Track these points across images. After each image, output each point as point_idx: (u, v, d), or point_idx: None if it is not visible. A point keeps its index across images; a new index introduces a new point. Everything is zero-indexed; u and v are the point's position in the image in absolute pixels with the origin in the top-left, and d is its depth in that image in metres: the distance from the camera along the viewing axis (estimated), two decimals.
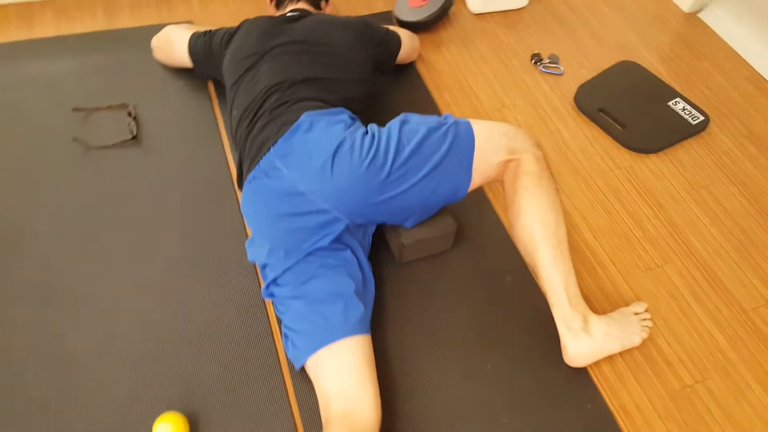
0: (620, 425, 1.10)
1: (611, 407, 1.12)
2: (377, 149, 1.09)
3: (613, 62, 1.81)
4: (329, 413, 0.96)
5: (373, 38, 1.49)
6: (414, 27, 1.81)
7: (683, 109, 1.65)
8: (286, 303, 1.07)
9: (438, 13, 1.79)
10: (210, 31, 1.48)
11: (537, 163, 1.17)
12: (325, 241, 1.08)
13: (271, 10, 1.55)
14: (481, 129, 1.17)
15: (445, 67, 1.75)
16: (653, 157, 1.58)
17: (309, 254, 1.08)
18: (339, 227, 1.09)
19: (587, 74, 1.77)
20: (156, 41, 1.59)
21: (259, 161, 1.13)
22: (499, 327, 1.21)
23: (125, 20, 1.77)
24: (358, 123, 1.17)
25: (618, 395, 1.14)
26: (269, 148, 1.12)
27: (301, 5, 1.50)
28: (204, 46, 1.47)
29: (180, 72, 1.60)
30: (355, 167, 1.07)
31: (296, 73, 1.25)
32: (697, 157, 1.58)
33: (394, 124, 1.16)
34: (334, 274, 1.07)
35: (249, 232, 1.29)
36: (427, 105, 1.62)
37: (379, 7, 1.91)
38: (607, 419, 1.10)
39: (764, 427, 1.12)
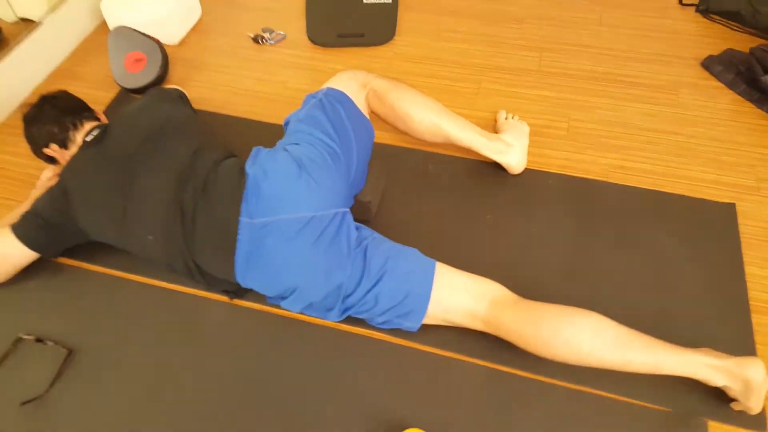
0: (578, 176, 1.49)
1: (562, 172, 1.50)
2: (323, 145, 1.20)
3: None
4: (484, 317, 1.11)
5: (175, 98, 1.49)
6: (148, 88, 1.78)
7: None
8: (371, 296, 1.13)
9: (162, 67, 1.78)
10: (27, 213, 1.26)
11: (384, 80, 1.41)
12: (353, 232, 1.17)
13: (61, 155, 1.36)
14: (338, 84, 1.35)
15: (213, 93, 1.78)
16: (397, 38, 1.93)
17: (356, 249, 1.15)
18: (349, 216, 1.20)
19: (296, 20, 2.02)
20: None
21: (236, 239, 1.14)
22: (459, 197, 1.46)
23: None
24: (276, 146, 1.25)
25: (550, 163, 1.52)
26: (237, 220, 1.13)
27: (88, 125, 1.37)
28: (43, 227, 1.24)
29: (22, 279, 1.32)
30: (326, 167, 1.17)
31: (182, 156, 1.23)
32: (416, 17, 2.00)
33: (295, 126, 1.26)
34: (380, 244, 1.18)
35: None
36: (245, 127, 1.67)
37: (106, 97, 1.79)
38: (566, 180, 1.48)
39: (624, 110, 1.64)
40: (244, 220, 1.13)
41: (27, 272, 1.31)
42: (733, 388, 1.01)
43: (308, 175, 1.15)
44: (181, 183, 1.19)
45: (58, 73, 1.90)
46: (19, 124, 1.39)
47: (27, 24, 1.82)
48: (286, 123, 1.32)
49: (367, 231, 1.21)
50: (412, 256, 1.18)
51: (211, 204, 1.16)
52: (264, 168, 1.17)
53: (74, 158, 1.29)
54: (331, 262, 1.13)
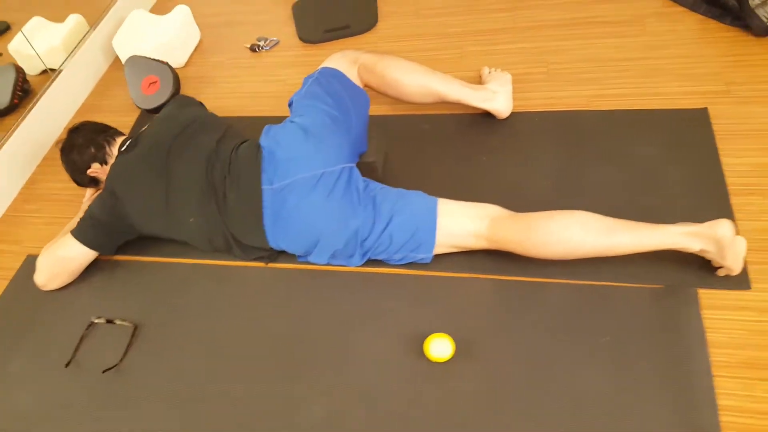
0: (561, 110, 1.63)
1: (546, 110, 1.64)
2: (323, 112, 1.37)
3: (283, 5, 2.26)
4: (487, 235, 1.25)
5: (196, 102, 1.67)
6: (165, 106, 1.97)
7: None
8: (386, 236, 1.28)
9: (175, 86, 1.97)
10: (83, 218, 1.44)
11: (371, 54, 1.57)
12: (361, 183, 1.33)
13: (104, 172, 1.54)
14: (331, 63, 1.52)
15: (223, 101, 1.96)
16: (380, 23, 2.10)
17: (365, 198, 1.31)
18: (355, 171, 1.36)
19: (286, 26, 2.20)
20: (46, 273, 1.45)
21: (262, 205, 1.30)
22: (456, 147, 1.61)
23: None
24: (285, 122, 1.42)
25: (534, 104, 1.66)
26: (260, 189, 1.30)
27: (119, 139, 1.56)
28: (98, 227, 1.43)
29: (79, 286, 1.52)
30: (327, 128, 1.35)
31: (208, 145, 1.40)
32: (395, 1, 2.16)
33: (299, 103, 1.43)
34: (387, 191, 1.33)
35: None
36: (256, 123, 1.82)
37: (129, 121, 1.98)
38: (551, 115, 1.62)
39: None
40: (265, 187, 1.30)
41: (90, 271, 1.51)
42: (709, 250, 1.13)
43: (314, 137, 1.31)
44: (210, 167, 1.36)
45: (83, 109, 2.11)
46: (57, 157, 1.58)
47: (50, 74, 2.03)
48: (290, 103, 1.49)
49: (375, 184, 1.37)
50: (415, 196, 1.33)
51: (237, 180, 1.34)
52: (276, 139, 1.34)
53: (114, 165, 1.47)
54: (346, 210, 1.29)
